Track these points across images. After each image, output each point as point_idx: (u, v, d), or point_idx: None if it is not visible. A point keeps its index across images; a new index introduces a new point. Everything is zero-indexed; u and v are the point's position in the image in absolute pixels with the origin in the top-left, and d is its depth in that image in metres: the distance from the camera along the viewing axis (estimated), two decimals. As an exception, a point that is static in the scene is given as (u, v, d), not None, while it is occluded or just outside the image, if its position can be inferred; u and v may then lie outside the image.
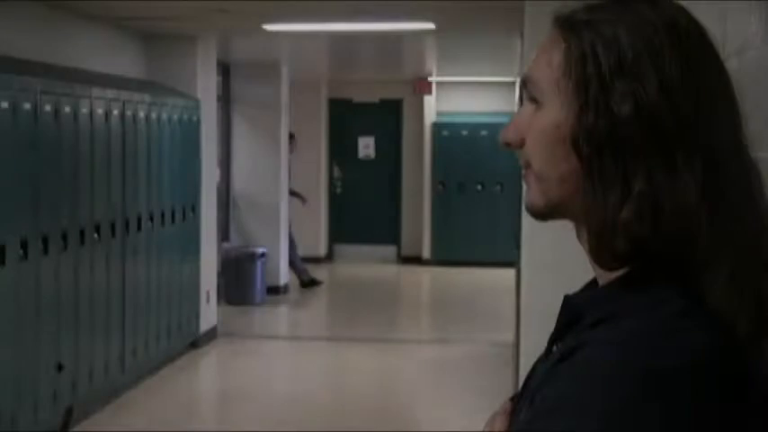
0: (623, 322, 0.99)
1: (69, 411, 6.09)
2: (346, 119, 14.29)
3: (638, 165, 1.01)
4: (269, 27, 8.01)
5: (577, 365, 0.98)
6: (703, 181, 1.00)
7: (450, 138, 13.86)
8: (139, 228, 7.19)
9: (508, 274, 9.30)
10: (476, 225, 13.69)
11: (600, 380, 0.94)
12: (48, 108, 5.72)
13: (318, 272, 12.24)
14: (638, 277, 1.03)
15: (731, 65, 2.21)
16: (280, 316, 10.67)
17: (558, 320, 1.13)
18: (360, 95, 14.47)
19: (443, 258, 13.74)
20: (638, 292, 1.02)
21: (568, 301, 1.11)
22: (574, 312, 1.08)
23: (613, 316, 1.01)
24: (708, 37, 1.07)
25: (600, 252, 1.05)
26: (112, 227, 6.68)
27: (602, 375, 0.94)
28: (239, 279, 10.64)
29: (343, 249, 14.38)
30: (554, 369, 1.02)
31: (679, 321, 0.97)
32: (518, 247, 5.79)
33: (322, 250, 13.96)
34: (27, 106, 5.47)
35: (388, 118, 14.41)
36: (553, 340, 1.13)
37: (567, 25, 1.09)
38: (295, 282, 11.73)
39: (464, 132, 13.79)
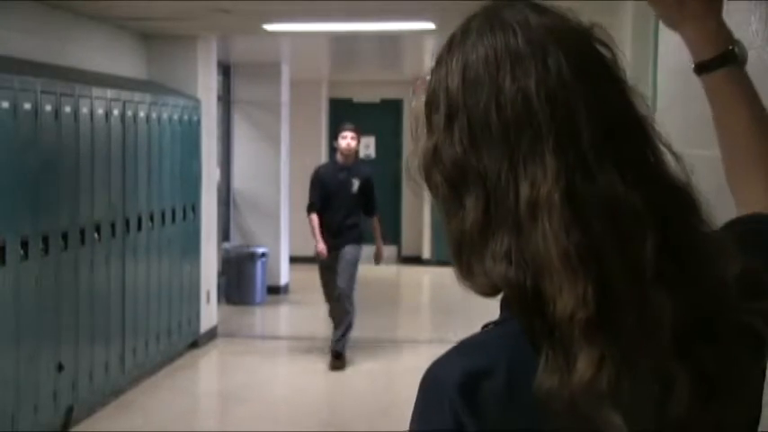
0: (476, 334, 1.05)
1: (69, 411, 6.09)
2: (346, 119, 14.28)
3: (441, 206, 1.08)
4: (269, 27, 8.01)
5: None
6: (483, 210, 1.01)
7: (451, 138, 13.85)
8: (140, 227, 7.19)
9: (508, 274, 9.28)
10: (476, 225, 13.68)
11: (419, 390, 1.04)
12: (48, 108, 5.72)
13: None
14: None
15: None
16: (280, 316, 10.67)
17: None
18: (360, 95, 14.47)
19: (443, 258, 13.71)
20: (505, 306, 1.04)
21: None
22: None
23: (493, 325, 1.06)
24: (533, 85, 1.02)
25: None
26: (113, 227, 6.68)
27: (419, 387, 1.03)
28: (239, 279, 10.64)
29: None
30: None
31: (493, 340, 1.02)
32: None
33: (322, 250, 13.95)
34: (27, 106, 5.47)
35: (388, 118, 14.40)
36: None
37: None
38: (297, 281, 11.71)
39: (464, 132, 13.78)
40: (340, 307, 8.13)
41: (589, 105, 1.00)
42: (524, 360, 0.97)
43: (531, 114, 1.00)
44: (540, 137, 1.00)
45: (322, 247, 8.01)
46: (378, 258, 8.44)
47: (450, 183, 1.05)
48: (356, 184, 8.09)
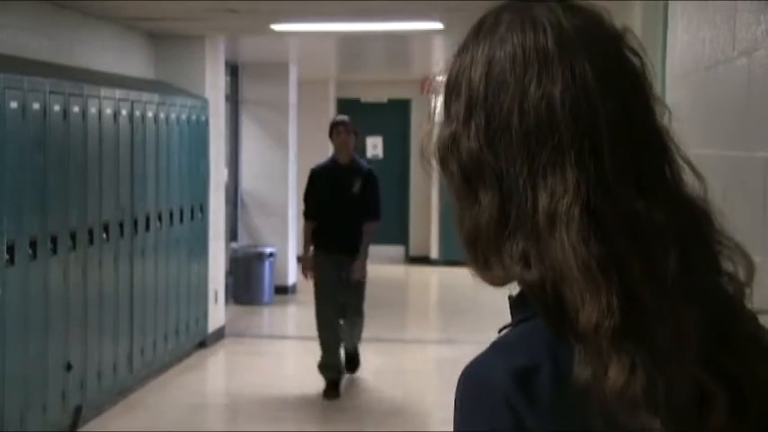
0: (507, 334, 1.05)
1: (78, 411, 6.10)
2: (354, 119, 14.25)
3: (453, 193, 1.07)
4: (277, 27, 8.01)
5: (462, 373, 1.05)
6: (498, 209, 1.01)
7: (459, 138, 13.84)
8: (148, 227, 7.20)
9: (516, 274, 9.27)
10: (484, 225, 13.66)
11: (458, 389, 1.04)
12: (56, 108, 5.73)
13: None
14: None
15: (740, 64, 2.21)
16: (287, 316, 10.67)
17: None
18: (368, 95, 14.47)
19: (451, 258, 13.73)
20: (523, 303, 1.04)
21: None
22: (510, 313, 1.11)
23: (515, 324, 1.05)
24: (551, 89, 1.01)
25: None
26: (121, 226, 6.70)
27: (463, 392, 1.03)
28: (247, 279, 10.65)
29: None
30: None
31: (528, 337, 1.01)
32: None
33: (330, 250, 13.96)
34: (36, 106, 5.48)
35: (396, 118, 14.40)
36: None
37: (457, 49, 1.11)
38: (304, 281, 11.69)
39: (472, 132, 13.77)
40: (345, 325, 7.49)
41: (612, 120, 1.00)
42: (563, 354, 0.97)
43: (553, 124, 1.00)
44: (561, 149, 0.99)
45: (307, 270, 7.29)
46: (356, 273, 7.17)
47: (465, 174, 1.05)
48: (357, 184, 7.11)
